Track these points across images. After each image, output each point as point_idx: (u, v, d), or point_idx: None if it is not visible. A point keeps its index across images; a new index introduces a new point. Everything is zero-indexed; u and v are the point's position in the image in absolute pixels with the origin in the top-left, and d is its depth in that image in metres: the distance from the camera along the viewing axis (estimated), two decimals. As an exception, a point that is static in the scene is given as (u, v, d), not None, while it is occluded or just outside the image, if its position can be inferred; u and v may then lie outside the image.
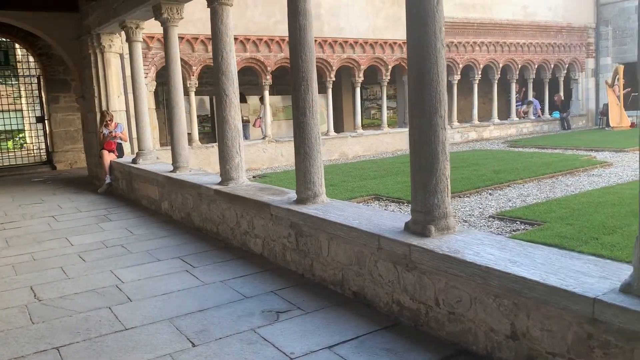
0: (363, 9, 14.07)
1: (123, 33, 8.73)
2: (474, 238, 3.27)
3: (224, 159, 5.70)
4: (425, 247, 3.14)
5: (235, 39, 12.31)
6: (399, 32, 14.59)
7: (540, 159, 10.95)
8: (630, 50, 19.40)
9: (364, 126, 17.81)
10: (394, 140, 15.09)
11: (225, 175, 5.69)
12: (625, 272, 2.51)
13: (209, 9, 5.67)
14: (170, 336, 3.28)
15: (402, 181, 8.99)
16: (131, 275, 4.55)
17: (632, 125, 17.79)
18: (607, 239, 4.89)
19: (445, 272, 3.02)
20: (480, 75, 16.91)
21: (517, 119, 18.40)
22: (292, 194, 4.77)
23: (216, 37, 5.64)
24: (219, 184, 5.72)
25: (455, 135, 16.48)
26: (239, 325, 3.40)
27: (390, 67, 14.81)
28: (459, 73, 16.35)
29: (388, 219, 3.88)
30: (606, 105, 18.49)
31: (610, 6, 19.71)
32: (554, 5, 18.60)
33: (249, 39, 12.49)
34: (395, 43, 14.69)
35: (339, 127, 16.71)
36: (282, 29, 11.90)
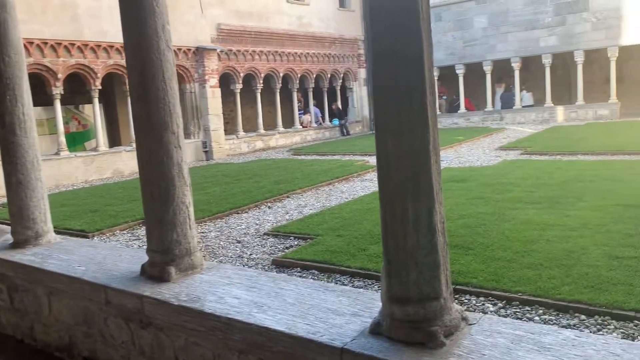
0: (131, 12, 12.92)
1: None
2: (222, 276, 2.76)
3: None
4: (160, 298, 2.53)
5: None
6: (174, 38, 13.78)
7: (319, 167, 11.17)
8: (393, 62, 21.42)
9: (145, 139, 16.56)
10: (176, 153, 14.15)
11: None
12: (377, 303, 2.21)
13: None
14: None
15: (178, 199, 8.25)
16: None
17: (399, 129, 19.59)
18: (373, 250, 4.85)
19: (183, 327, 2.44)
20: (262, 84, 16.96)
21: (301, 127, 18.94)
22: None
23: None
24: None
25: (242, 145, 16.24)
26: None
27: (166, 75, 13.86)
28: (240, 82, 16.15)
29: (126, 260, 3.17)
30: (377, 112, 20.09)
31: (374, 21, 21.51)
32: (326, 17, 19.62)
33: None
34: (170, 50, 13.80)
35: (115, 141, 15.18)
36: (28, 30, 10.20)
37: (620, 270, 4.00)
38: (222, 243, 5.91)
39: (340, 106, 20.90)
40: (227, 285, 2.62)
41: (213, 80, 14.77)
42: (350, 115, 21.69)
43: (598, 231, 5.02)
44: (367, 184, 9.10)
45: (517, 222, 5.50)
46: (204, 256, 4.51)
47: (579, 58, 17.77)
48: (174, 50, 13.84)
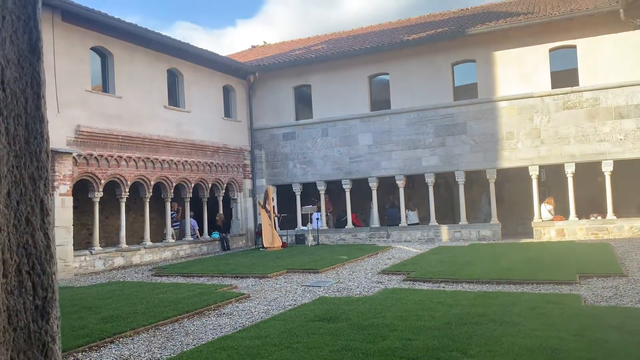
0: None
1: None
2: None
3: None
4: None
5: None
6: (16, 138, 11.87)
7: (174, 294, 9.35)
8: (280, 174, 20.67)
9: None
10: None
11: None
12: None
13: None
14: None
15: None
16: None
17: (284, 245, 18.33)
18: None
19: None
20: (128, 193, 15.15)
21: (173, 240, 17.05)
22: None
23: None
24: None
25: (97, 263, 13.97)
26: None
27: None
28: (101, 190, 14.24)
29: None
30: (260, 226, 18.80)
31: (262, 132, 20.95)
32: (210, 126, 18.66)
33: None
34: None
35: None
36: None
37: None
38: None
39: (224, 217, 19.44)
40: None
41: (64, 188, 12.76)
42: (233, 228, 20.20)
43: (488, 414, 3.75)
44: (224, 321, 7.44)
45: (386, 397, 4.12)
46: None
47: (460, 178, 17.98)
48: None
